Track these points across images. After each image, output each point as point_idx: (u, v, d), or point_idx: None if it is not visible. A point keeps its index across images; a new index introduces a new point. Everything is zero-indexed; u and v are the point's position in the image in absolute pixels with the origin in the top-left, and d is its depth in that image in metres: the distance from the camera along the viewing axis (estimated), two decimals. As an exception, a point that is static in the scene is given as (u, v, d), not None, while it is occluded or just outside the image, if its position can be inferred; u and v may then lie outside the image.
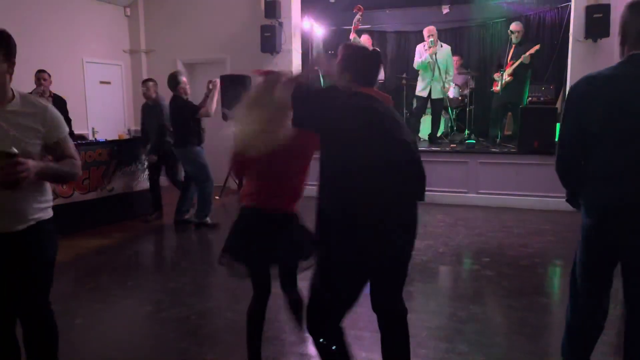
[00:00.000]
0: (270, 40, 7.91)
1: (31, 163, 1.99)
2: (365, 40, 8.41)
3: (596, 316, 2.29)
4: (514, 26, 7.74)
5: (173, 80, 5.91)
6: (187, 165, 6.13)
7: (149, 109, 6.51)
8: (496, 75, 7.94)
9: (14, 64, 2.10)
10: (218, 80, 6.10)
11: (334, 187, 2.14)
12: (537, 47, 7.52)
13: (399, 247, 2.20)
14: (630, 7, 2.14)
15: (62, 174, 2.26)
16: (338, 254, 2.13)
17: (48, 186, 2.30)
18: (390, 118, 2.16)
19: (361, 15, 8.03)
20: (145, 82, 6.60)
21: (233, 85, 6.73)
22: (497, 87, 7.92)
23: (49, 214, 2.30)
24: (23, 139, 2.09)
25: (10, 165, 1.91)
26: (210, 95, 5.90)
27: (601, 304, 2.28)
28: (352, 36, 8.05)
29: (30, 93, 6.12)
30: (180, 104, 5.88)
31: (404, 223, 2.17)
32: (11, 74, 2.10)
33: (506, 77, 7.70)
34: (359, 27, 8.12)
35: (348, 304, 2.21)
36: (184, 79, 5.93)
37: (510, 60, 7.71)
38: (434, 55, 7.73)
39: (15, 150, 1.95)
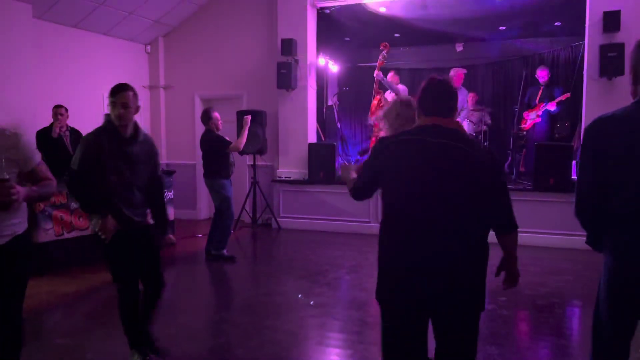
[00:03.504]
0: (286, 76, 8.06)
1: (20, 188, 2.33)
2: (391, 77, 8.51)
3: None
4: (540, 72, 8.00)
5: (205, 116, 6.20)
6: (212, 195, 6.34)
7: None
8: (525, 114, 8.08)
9: None
10: (249, 117, 6.47)
11: None
12: (567, 95, 7.71)
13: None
14: None
15: (44, 195, 2.65)
16: None
17: (24, 205, 2.57)
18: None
19: (387, 53, 8.16)
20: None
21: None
22: (525, 125, 8.07)
23: (24, 227, 2.58)
24: (8, 168, 2.37)
25: (4, 189, 2.23)
26: (241, 131, 6.29)
27: (626, 350, 2.18)
28: (377, 72, 8.17)
29: (49, 127, 6.30)
30: (211, 138, 6.14)
31: None
32: None
33: (535, 118, 7.90)
34: (384, 64, 8.25)
35: None
36: (215, 114, 6.18)
37: (539, 102, 7.91)
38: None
39: (7, 176, 2.25)
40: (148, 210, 3.31)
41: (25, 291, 2.64)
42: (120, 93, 3.03)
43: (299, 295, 4.90)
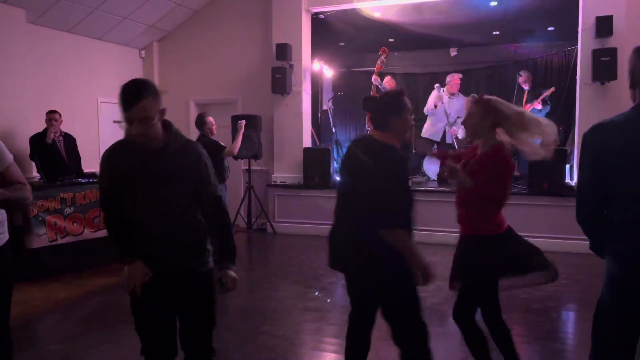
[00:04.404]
0: (281, 81, 8.08)
1: None
2: (387, 81, 8.55)
3: None
4: (521, 79, 8.14)
5: (200, 120, 6.18)
6: None
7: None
8: None
9: None
10: (244, 122, 6.50)
11: None
12: (552, 89, 7.82)
13: None
14: (638, 52, 2.11)
15: (14, 200, 2.43)
16: None
17: (3, 217, 2.50)
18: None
19: (385, 58, 8.19)
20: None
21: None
22: None
23: (5, 239, 2.52)
24: None
25: None
26: (236, 136, 6.32)
27: (632, 354, 2.16)
28: (374, 77, 8.20)
29: (43, 132, 6.27)
30: (206, 142, 6.08)
31: None
32: None
33: None
34: (382, 68, 8.28)
35: None
36: (210, 119, 6.16)
37: (526, 104, 7.97)
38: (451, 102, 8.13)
39: None
40: (202, 252, 2.41)
41: (11, 299, 2.62)
42: (134, 106, 2.13)
43: (316, 293, 5.01)
